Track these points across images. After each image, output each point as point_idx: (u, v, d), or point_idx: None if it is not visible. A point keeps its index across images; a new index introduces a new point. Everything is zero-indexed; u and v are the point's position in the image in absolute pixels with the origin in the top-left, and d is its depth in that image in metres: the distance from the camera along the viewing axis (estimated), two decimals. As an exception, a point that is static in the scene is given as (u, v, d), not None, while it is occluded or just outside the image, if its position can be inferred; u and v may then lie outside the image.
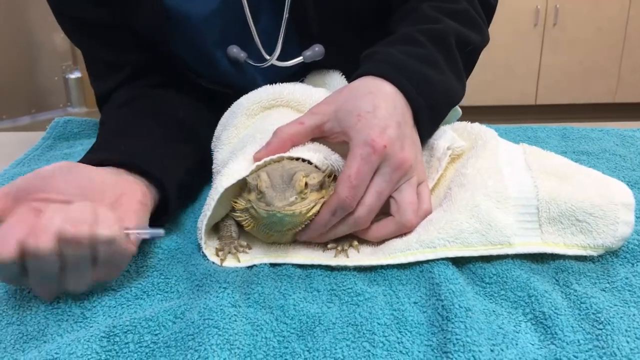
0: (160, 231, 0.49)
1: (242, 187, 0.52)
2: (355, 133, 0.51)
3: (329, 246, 0.52)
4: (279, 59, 0.70)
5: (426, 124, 0.57)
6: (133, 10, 0.66)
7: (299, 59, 0.71)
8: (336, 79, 0.74)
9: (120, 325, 0.42)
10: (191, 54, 0.70)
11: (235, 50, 0.70)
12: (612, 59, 3.14)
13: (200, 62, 0.71)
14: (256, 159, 0.53)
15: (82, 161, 0.53)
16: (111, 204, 0.48)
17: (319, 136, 0.55)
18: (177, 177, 0.57)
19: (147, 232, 0.49)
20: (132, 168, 0.53)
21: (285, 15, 0.67)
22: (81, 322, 0.44)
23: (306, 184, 0.48)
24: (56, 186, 0.47)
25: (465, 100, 0.66)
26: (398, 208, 0.51)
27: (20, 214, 0.43)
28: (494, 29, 0.74)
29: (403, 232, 0.52)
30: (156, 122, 0.64)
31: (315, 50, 0.71)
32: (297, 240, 0.53)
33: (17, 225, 0.42)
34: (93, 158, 0.53)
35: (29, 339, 0.43)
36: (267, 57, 0.70)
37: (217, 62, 0.71)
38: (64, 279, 0.44)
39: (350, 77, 0.60)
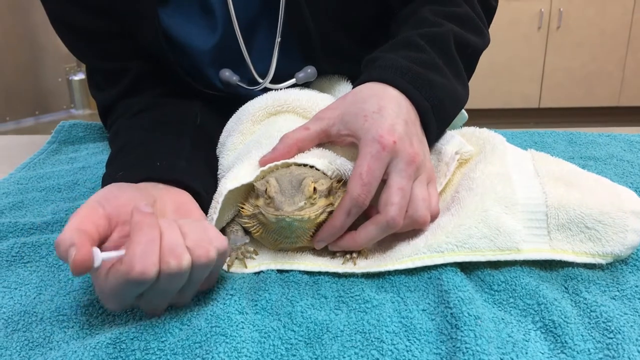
0: (246, 239, 0.51)
1: (248, 192, 0.52)
2: (363, 132, 0.51)
3: (337, 253, 0.52)
4: (273, 79, 0.70)
5: (433, 125, 0.57)
6: (133, 26, 0.65)
7: (292, 81, 0.71)
8: (342, 84, 0.74)
9: (126, 332, 0.42)
10: (187, 70, 0.70)
11: (227, 74, 0.70)
12: (615, 62, 3.13)
13: (196, 78, 0.71)
14: (262, 163, 0.53)
15: (118, 179, 0.51)
16: (175, 212, 0.48)
17: (325, 141, 0.55)
18: (212, 188, 0.56)
19: (234, 240, 0.51)
20: (172, 183, 0.52)
21: (278, 39, 0.67)
22: (87, 329, 0.44)
23: (315, 189, 0.47)
24: (122, 197, 0.46)
25: (469, 103, 0.66)
26: (410, 204, 0.51)
27: (147, 231, 0.41)
28: (497, 32, 0.74)
29: (402, 229, 0.51)
30: (178, 132, 0.63)
31: (308, 72, 0.71)
32: (306, 247, 0.52)
33: (151, 244, 0.40)
34: (132, 177, 0.52)
35: (34, 346, 0.42)
36: (260, 80, 0.70)
37: (212, 81, 0.71)
38: (177, 296, 0.44)
39: (354, 83, 0.60)
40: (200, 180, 0.55)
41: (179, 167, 0.55)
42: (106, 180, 0.54)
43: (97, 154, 0.81)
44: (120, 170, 0.54)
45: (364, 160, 0.49)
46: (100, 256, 0.40)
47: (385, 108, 0.52)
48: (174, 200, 0.50)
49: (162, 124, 0.64)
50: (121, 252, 0.41)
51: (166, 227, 0.42)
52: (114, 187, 0.48)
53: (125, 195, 0.46)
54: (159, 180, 0.52)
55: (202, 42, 0.68)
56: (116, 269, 0.40)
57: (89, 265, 0.39)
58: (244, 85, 0.70)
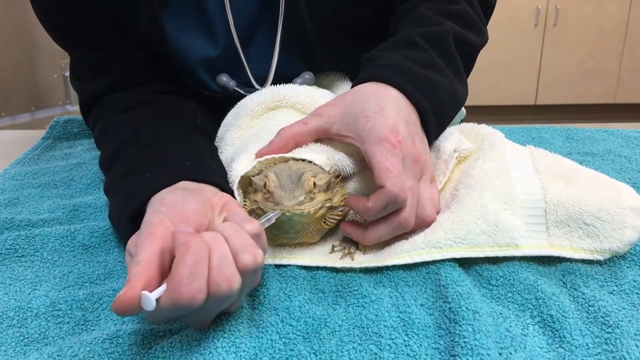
0: (277, 212, 0.47)
1: (246, 188, 0.52)
2: (366, 133, 0.50)
3: (335, 248, 0.52)
4: (271, 81, 0.69)
5: (433, 125, 0.56)
6: (131, 19, 0.63)
7: None
8: (340, 81, 0.73)
9: (123, 327, 0.42)
10: (181, 69, 0.68)
11: (224, 79, 0.69)
12: (612, 60, 3.14)
13: (192, 80, 0.70)
14: (258, 156, 0.52)
15: (151, 183, 0.49)
16: (220, 213, 0.46)
17: (323, 137, 0.54)
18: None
19: (269, 218, 0.47)
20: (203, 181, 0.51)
21: (277, 49, 0.67)
22: (83, 324, 0.44)
23: (314, 184, 0.47)
24: (189, 211, 0.44)
25: (466, 100, 0.65)
26: (418, 204, 0.50)
27: (194, 252, 0.38)
28: (494, 29, 0.74)
29: (412, 228, 0.50)
30: (188, 129, 0.61)
31: (306, 78, 0.71)
32: (304, 242, 0.52)
33: (198, 266, 0.38)
34: (167, 178, 0.49)
35: (29, 341, 0.42)
36: (259, 87, 0.69)
37: (208, 84, 0.70)
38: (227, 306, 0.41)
39: (353, 81, 0.59)
40: (224, 178, 0.53)
41: (212, 167, 0.54)
42: (125, 178, 0.52)
43: (92, 150, 0.81)
44: (143, 168, 0.51)
45: (382, 157, 0.48)
46: (152, 301, 0.37)
47: (386, 108, 0.52)
48: (218, 202, 0.47)
49: (164, 121, 0.62)
50: (164, 287, 0.38)
51: (213, 243, 0.39)
52: (177, 196, 0.45)
53: (191, 208, 0.44)
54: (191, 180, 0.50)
55: (199, 47, 0.67)
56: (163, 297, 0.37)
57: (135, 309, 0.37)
58: (241, 91, 0.70)
